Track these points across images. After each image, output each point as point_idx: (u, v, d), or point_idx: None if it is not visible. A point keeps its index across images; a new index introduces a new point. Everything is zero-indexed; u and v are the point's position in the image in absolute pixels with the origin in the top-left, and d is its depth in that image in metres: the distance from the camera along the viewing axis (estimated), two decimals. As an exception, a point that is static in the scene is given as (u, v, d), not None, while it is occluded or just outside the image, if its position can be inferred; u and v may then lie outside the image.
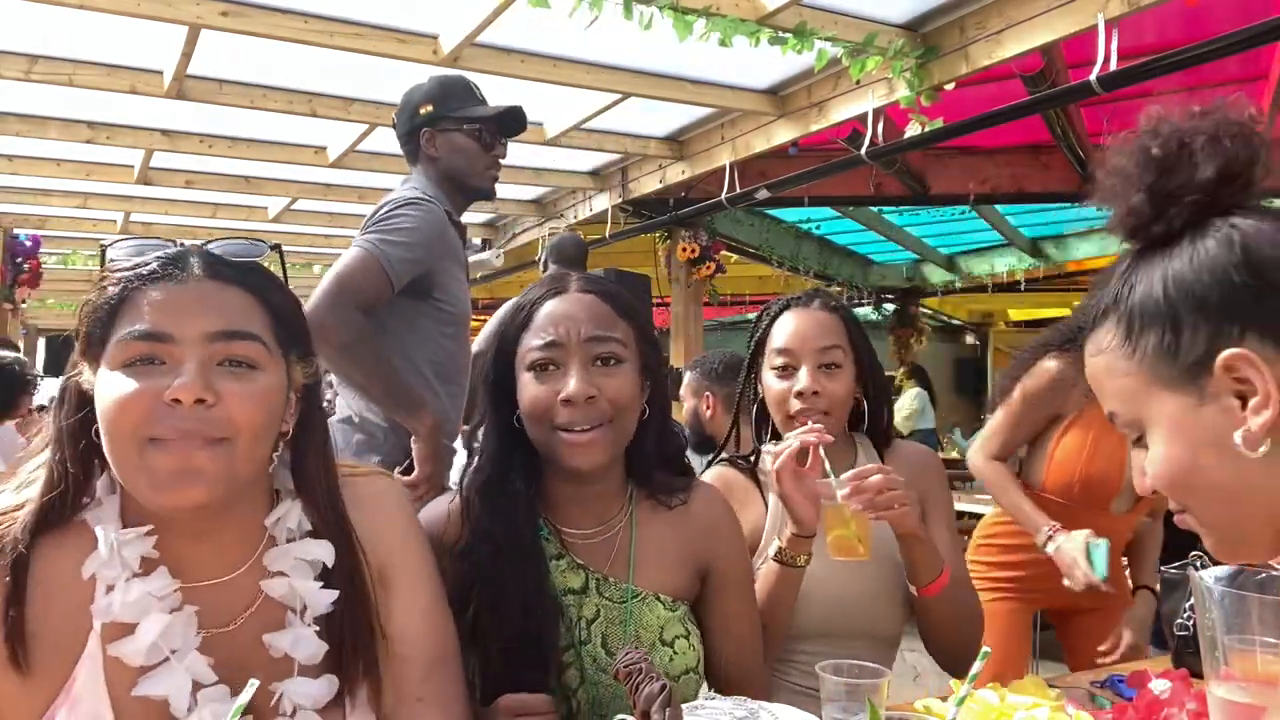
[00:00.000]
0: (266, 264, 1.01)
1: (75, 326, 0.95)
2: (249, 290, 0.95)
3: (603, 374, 1.20)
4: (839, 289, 9.01)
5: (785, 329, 1.61)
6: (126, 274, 0.92)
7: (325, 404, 1.20)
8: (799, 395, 1.57)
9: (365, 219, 2.14)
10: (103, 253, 0.97)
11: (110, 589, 0.91)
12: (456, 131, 2.28)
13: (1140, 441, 0.85)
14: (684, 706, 0.98)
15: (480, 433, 1.31)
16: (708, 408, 3.05)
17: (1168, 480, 0.83)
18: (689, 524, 1.32)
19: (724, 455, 1.77)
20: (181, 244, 0.96)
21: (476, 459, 1.28)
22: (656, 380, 1.29)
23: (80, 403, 0.94)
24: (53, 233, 6.80)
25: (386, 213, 2.09)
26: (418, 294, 2.11)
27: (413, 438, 2.03)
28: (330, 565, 0.99)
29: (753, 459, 1.69)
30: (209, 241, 0.97)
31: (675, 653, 1.25)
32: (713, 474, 1.69)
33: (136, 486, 0.89)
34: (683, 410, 3.14)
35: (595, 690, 1.21)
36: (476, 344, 3.55)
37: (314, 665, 0.97)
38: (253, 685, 0.85)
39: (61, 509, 0.93)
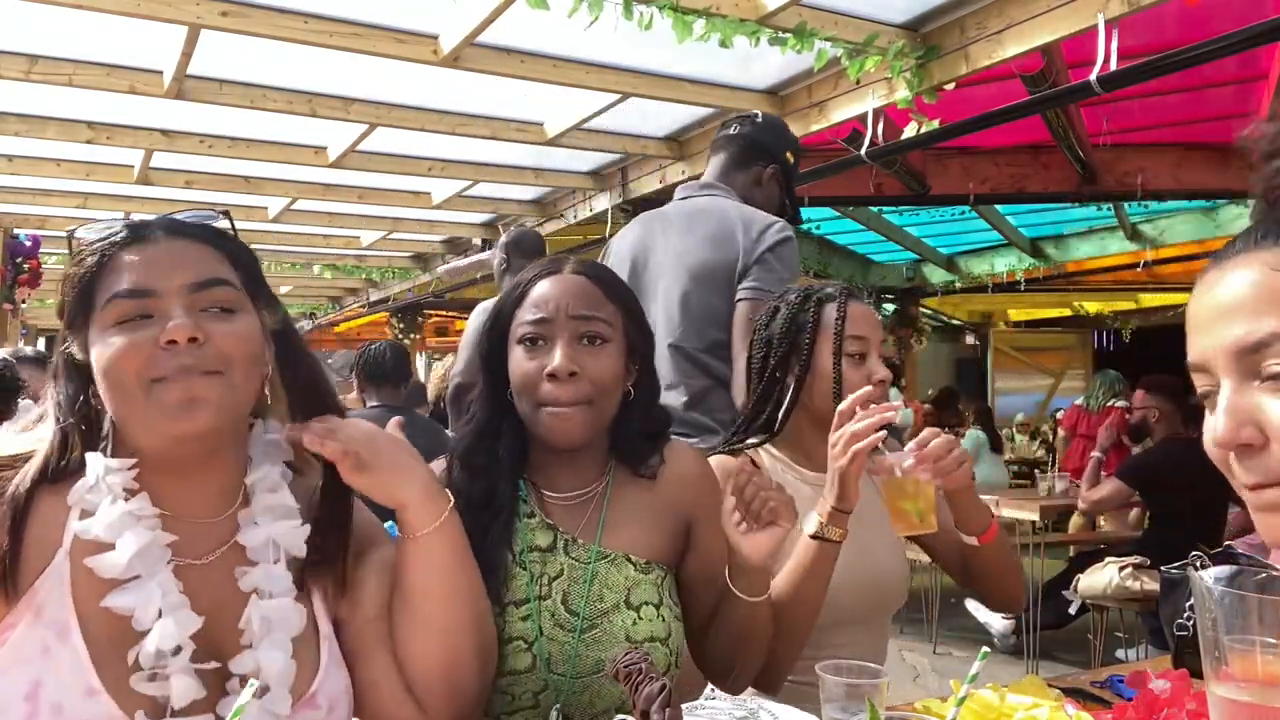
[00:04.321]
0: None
1: (58, 304, 1.02)
2: (212, 245, 1.04)
3: (588, 352, 1.27)
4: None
5: (857, 319, 1.67)
6: (99, 244, 1.00)
7: None
8: (874, 381, 1.61)
9: (740, 225, 2.15)
10: (70, 237, 1.04)
11: (91, 513, 0.96)
12: (782, 195, 2.38)
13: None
14: (684, 706, 0.98)
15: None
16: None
17: None
18: (664, 482, 1.37)
19: (729, 447, 1.76)
20: (131, 216, 1.07)
21: (465, 425, 1.36)
22: (644, 363, 1.35)
23: (72, 373, 1.02)
24: (53, 233, 6.79)
25: (779, 240, 2.12)
26: None
27: None
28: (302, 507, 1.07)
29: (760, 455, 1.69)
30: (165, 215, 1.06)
31: (640, 618, 1.27)
32: (714, 461, 1.66)
33: (147, 422, 0.96)
34: None
35: (551, 645, 1.25)
36: (454, 375, 3.52)
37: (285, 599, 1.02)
38: (252, 685, 0.86)
39: (63, 465, 0.99)
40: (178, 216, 1.05)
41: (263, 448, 1.08)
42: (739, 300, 2.10)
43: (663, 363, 2.12)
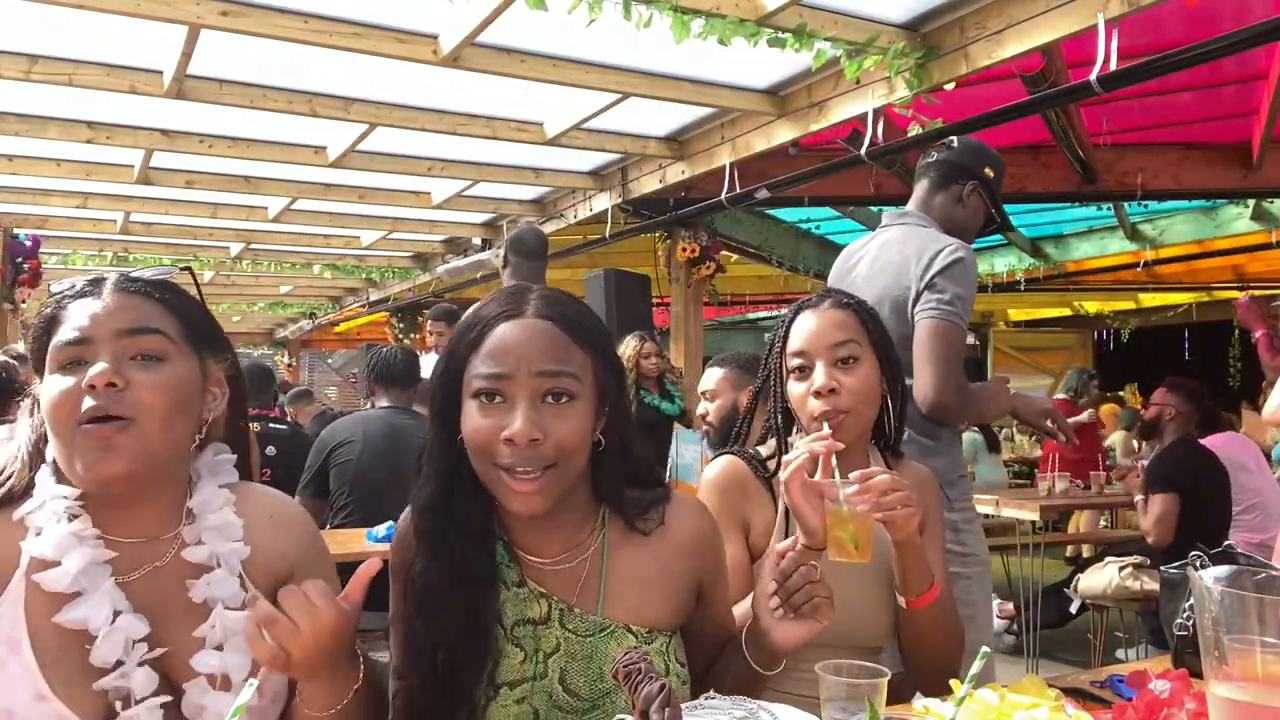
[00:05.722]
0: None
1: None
2: (154, 298, 1.09)
3: (552, 413, 1.11)
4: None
5: (799, 331, 1.61)
6: (56, 298, 1.08)
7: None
8: (816, 394, 1.55)
9: (913, 256, 2.22)
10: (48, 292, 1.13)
11: (39, 532, 1.02)
12: (986, 208, 2.50)
13: None
14: (683, 706, 0.98)
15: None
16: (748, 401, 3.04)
17: None
18: (673, 544, 1.26)
19: (736, 448, 1.73)
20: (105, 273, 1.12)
21: (422, 476, 1.21)
22: (615, 407, 1.20)
23: (37, 409, 1.09)
24: (53, 233, 6.80)
25: (949, 263, 2.18)
26: None
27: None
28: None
29: (770, 465, 1.65)
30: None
31: None
32: (720, 464, 1.66)
33: (72, 466, 1.01)
34: (710, 407, 3.09)
35: None
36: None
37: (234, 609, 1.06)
38: (251, 685, 0.86)
39: (11, 489, 1.06)
40: (133, 273, 1.11)
41: (209, 469, 1.12)
42: (916, 322, 2.19)
43: None
